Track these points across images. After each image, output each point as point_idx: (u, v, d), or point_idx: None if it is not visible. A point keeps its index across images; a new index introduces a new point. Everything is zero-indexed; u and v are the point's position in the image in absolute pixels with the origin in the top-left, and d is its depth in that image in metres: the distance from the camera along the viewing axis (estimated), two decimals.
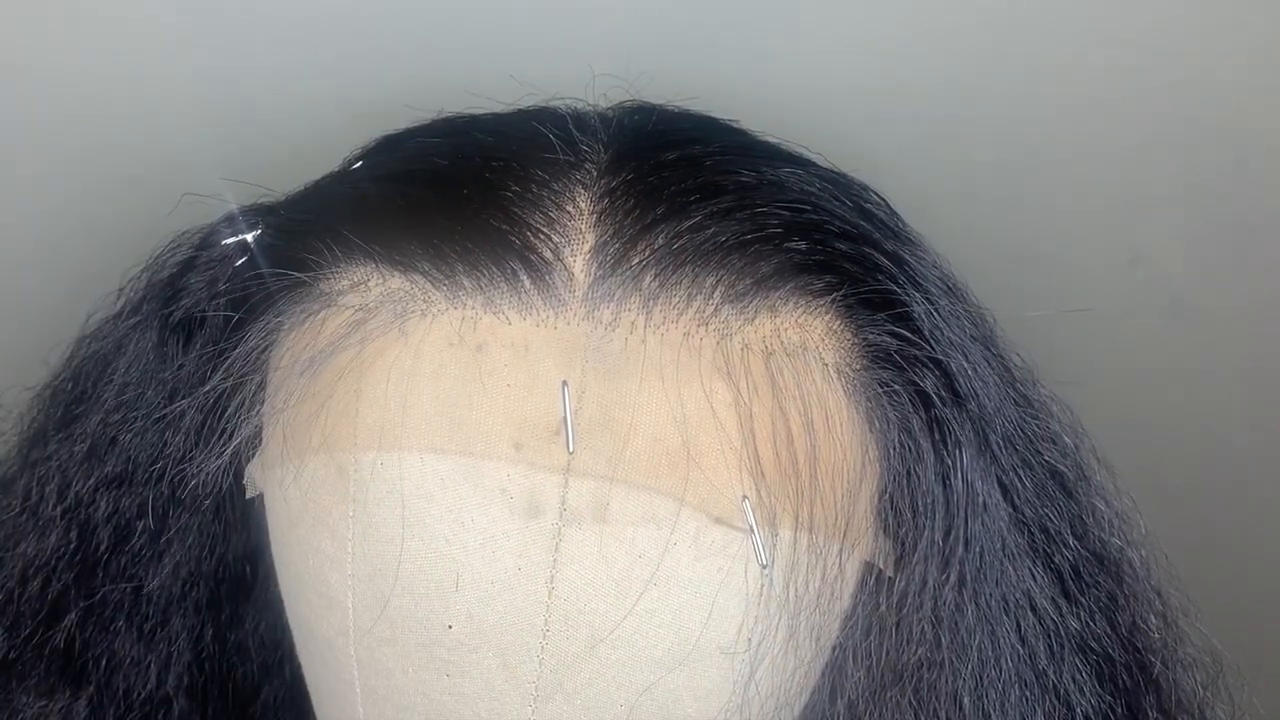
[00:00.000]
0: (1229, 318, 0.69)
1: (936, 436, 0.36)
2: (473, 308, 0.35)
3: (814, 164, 0.41)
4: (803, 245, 0.36)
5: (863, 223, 0.38)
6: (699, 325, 0.35)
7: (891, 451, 0.36)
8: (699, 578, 0.34)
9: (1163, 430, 0.72)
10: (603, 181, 0.37)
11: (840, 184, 0.40)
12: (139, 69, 0.54)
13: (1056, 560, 0.41)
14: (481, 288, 0.35)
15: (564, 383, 0.34)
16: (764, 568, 0.34)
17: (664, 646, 0.35)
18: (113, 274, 0.46)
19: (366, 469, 0.35)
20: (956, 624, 0.37)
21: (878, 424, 0.36)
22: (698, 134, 0.40)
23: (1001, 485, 0.39)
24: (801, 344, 0.36)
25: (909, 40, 0.58)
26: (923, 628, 0.37)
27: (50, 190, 0.58)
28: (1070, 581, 0.42)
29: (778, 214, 0.36)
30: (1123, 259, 0.66)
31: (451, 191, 0.37)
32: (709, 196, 0.36)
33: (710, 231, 0.35)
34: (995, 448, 0.38)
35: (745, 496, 0.34)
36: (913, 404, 0.36)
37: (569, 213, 0.36)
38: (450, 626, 0.35)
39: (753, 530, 0.34)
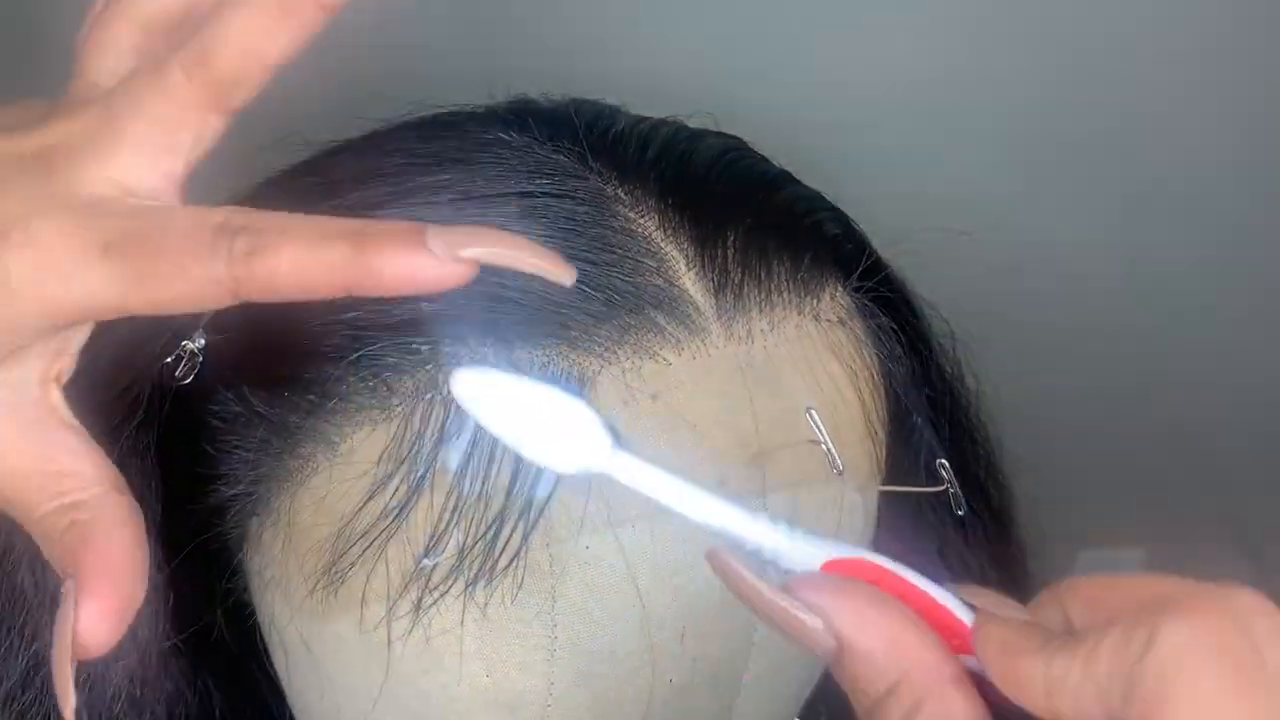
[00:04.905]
0: (1229, 318, 0.69)
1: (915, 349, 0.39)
2: (629, 358, 0.33)
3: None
4: (837, 230, 0.38)
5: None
6: (797, 313, 0.35)
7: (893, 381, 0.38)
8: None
9: (1163, 430, 0.72)
10: (650, 203, 0.36)
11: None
12: None
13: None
14: (626, 339, 0.33)
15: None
16: (839, 473, 0.35)
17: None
18: None
19: (570, 555, 0.33)
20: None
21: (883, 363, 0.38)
22: (707, 137, 0.40)
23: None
24: (847, 312, 0.37)
25: (909, 39, 0.58)
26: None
27: None
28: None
29: (800, 199, 0.38)
30: (1123, 259, 0.66)
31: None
32: (748, 192, 0.37)
33: (771, 223, 0.36)
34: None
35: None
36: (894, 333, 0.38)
37: (646, 245, 0.35)
38: (671, 680, 0.34)
39: (825, 444, 0.34)
